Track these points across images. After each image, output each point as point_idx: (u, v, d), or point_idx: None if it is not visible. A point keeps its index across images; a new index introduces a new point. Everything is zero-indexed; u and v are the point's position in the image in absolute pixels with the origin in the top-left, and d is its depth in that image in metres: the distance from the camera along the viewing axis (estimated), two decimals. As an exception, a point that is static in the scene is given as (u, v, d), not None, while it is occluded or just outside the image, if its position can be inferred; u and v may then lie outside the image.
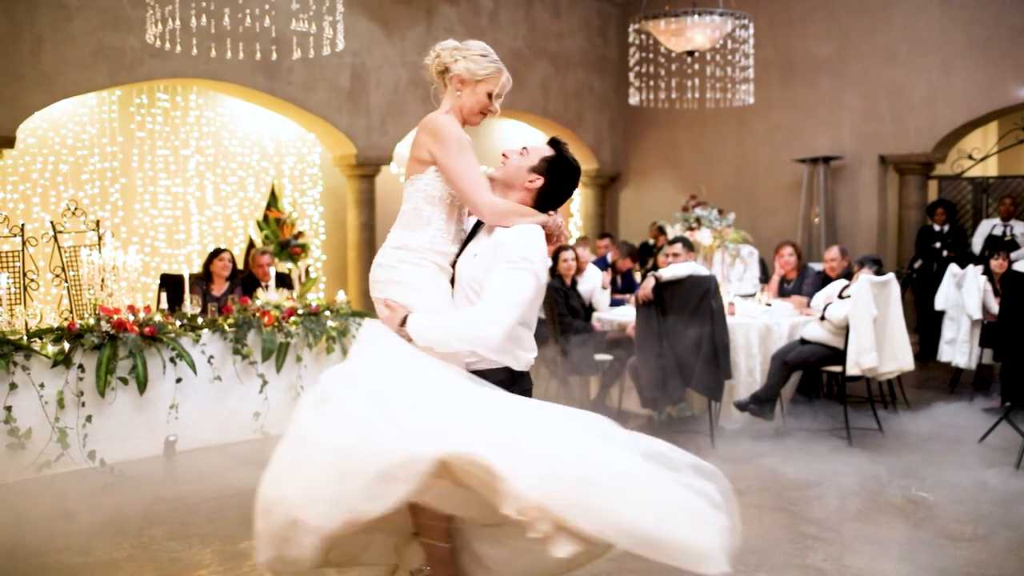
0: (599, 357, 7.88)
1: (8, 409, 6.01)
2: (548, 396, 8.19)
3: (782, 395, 7.49)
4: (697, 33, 9.04)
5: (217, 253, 8.43)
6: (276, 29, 7.90)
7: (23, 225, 7.10)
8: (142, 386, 6.56)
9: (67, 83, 9.00)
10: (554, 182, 3.41)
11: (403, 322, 3.23)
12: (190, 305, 7.23)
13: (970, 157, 11.68)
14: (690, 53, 9.44)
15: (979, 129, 12.41)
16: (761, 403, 7.24)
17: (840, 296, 7.41)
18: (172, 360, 6.78)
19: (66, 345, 6.29)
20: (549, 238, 3.39)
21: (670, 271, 7.15)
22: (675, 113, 12.86)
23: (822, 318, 7.42)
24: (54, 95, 8.98)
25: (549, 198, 3.44)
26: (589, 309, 8.47)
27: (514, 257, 3.20)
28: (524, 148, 3.46)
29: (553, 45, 13.16)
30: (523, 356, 3.41)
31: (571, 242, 13.71)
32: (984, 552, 4.88)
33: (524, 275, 3.18)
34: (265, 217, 11.44)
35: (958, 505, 5.65)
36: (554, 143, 3.47)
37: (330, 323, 7.66)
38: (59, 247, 7.05)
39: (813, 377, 7.87)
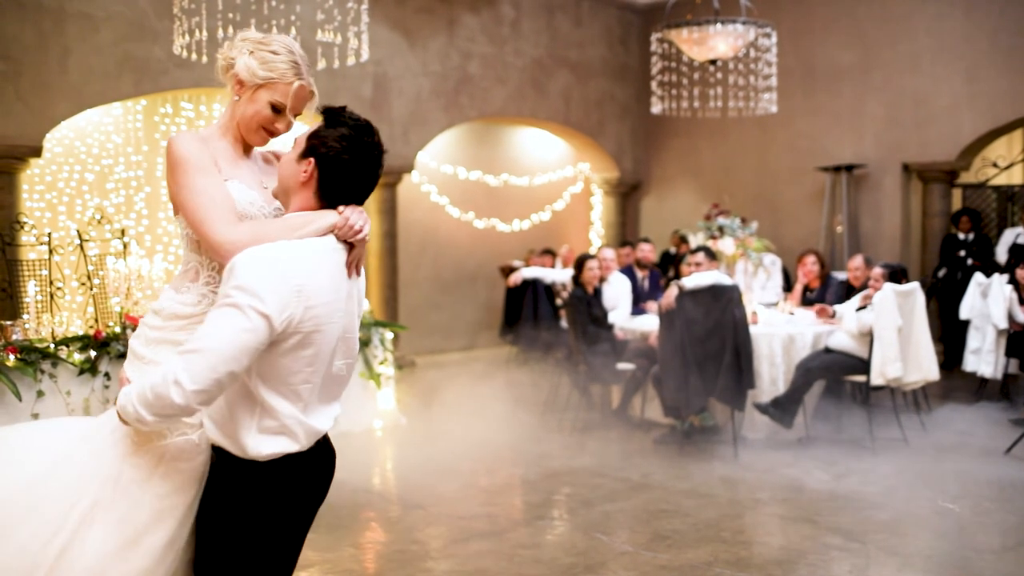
0: (621, 366, 7.87)
1: (35, 416, 6.06)
2: (570, 405, 8.19)
3: (806, 404, 7.45)
4: (720, 42, 9.02)
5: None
6: (301, 40, 7.93)
7: (50, 233, 7.15)
8: (167, 394, 6.58)
9: (93, 93, 9.09)
10: (327, 162, 2.46)
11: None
12: (214, 313, 7.25)
13: (995, 165, 11.61)
14: (712, 62, 9.43)
15: (1004, 137, 12.31)
16: (782, 408, 7.18)
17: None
18: (196, 368, 6.80)
19: (92, 353, 6.34)
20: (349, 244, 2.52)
21: (693, 280, 7.13)
22: (697, 122, 12.84)
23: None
24: (80, 105, 9.08)
25: (331, 186, 2.48)
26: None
27: (228, 289, 2.32)
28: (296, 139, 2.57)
29: (574, 54, 13.17)
30: (251, 442, 2.40)
31: (591, 251, 13.72)
32: (1012, 564, 4.84)
33: (230, 313, 2.28)
34: (288, 226, 11.48)
35: (985, 516, 5.60)
36: (325, 112, 2.52)
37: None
38: (85, 255, 7.10)
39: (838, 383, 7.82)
